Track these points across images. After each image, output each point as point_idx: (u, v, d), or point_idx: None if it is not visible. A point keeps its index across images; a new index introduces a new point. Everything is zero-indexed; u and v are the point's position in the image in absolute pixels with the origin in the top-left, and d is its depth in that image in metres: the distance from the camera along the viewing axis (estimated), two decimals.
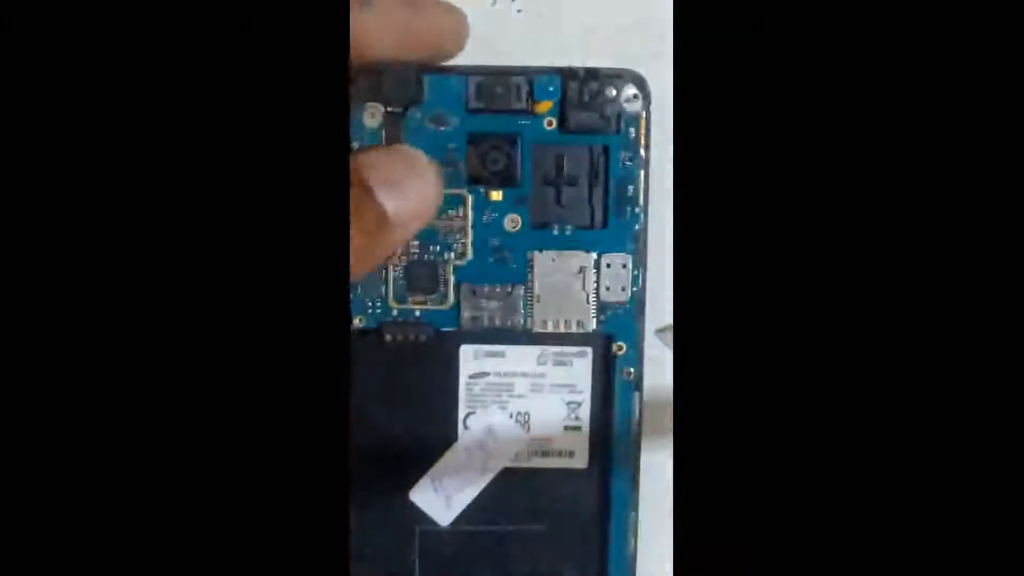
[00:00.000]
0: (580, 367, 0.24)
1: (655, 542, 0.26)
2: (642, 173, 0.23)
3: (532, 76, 0.23)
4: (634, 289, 0.24)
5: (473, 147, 0.23)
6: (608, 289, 0.24)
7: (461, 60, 0.23)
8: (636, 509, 0.25)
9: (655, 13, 0.27)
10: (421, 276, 0.24)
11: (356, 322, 0.24)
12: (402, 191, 0.19)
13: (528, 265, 0.24)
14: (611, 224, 0.24)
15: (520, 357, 0.24)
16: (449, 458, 0.25)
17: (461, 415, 0.24)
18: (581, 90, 0.23)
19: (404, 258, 0.24)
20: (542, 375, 0.24)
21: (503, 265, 0.24)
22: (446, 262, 0.24)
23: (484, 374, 0.24)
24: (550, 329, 0.24)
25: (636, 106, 0.23)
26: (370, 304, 0.24)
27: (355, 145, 0.22)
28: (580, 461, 0.25)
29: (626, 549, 0.25)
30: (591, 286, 0.24)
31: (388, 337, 0.24)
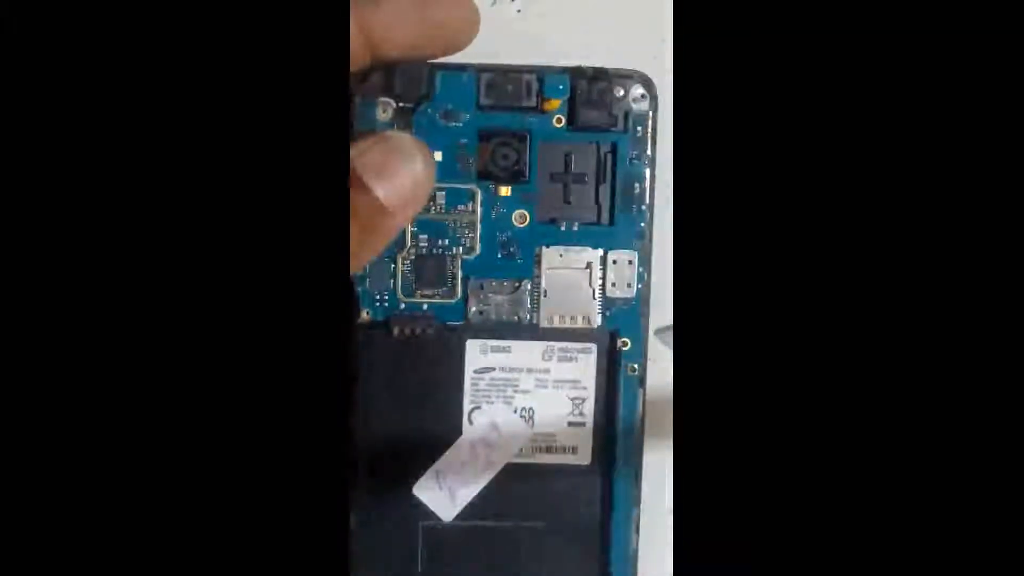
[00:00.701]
0: (585, 363, 0.25)
1: (655, 541, 0.26)
2: (648, 172, 0.24)
3: (542, 74, 0.23)
4: (639, 286, 0.24)
5: (483, 143, 0.23)
6: (614, 285, 0.24)
7: (461, 60, 0.23)
8: (639, 506, 0.25)
9: (655, 13, 0.27)
10: (429, 270, 0.24)
11: (364, 315, 0.24)
12: (393, 177, 0.19)
13: (535, 260, 0.24)
14: (618, 221, 0.24)
15: (526, 352, 0.24)
16: (453, 453, 0.25)
17: (466, 410, 0.25)
18: (590, 89, 0.23)
19: (413, 251, 0.24)
20: (547, 371, 0.25)
21: (511, 260, 0.24)
22: (454, 256, 0.24)
23: (489, 369, 0.24)
24: (556, 324, 0.24)
25: (644, 106, 0.24)
26: (378, 297, 0.24)
27: None
28: (583, 457, 0.25)
29: (628, 545, 0.25)
30: (597, 282, 0.24)
31: (396, 330, 0.24)
